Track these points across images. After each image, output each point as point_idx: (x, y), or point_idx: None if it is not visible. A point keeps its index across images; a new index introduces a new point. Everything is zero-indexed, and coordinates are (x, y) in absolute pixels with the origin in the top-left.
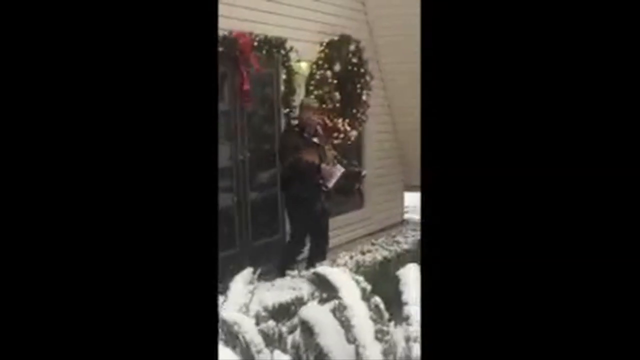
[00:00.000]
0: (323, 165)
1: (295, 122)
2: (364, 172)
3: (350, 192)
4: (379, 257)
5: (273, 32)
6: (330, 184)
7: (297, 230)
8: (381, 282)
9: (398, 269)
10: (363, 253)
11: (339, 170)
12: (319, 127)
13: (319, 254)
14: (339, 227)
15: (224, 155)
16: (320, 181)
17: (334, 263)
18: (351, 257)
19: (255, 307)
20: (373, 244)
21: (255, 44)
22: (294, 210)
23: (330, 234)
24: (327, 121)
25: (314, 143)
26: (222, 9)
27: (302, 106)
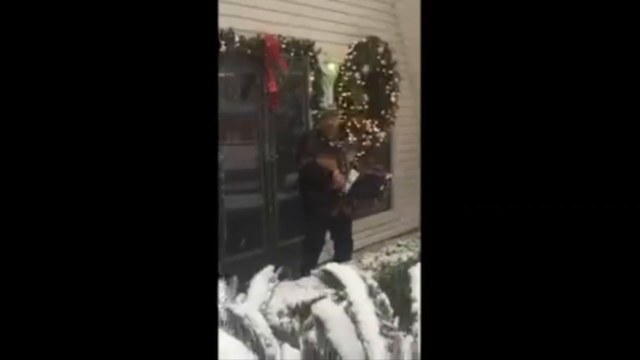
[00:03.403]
0: (335, 172)
1: (317, 127)
2: (388, 176)
3: (373, 195)
4: (404, 258)
5: (301, 34)
6: (345, 189)
7: (310, 235)
8: (405, 280)
9: None
10: (388, 254)
11: (353, 176)
12: (339, 132)
13: (344, 259)
14: (367, 228)
15: (252, 156)
16: (334, 187)
17: (359, 263)
18: (376, 258)
19: (279, 306)
20: (399, 245)
21: (284, 46)
22: (308, 214)
23: (358, 235)
24: (356, 123)
25: (332, 148)
26: (249, 12)
27: (325, 113)
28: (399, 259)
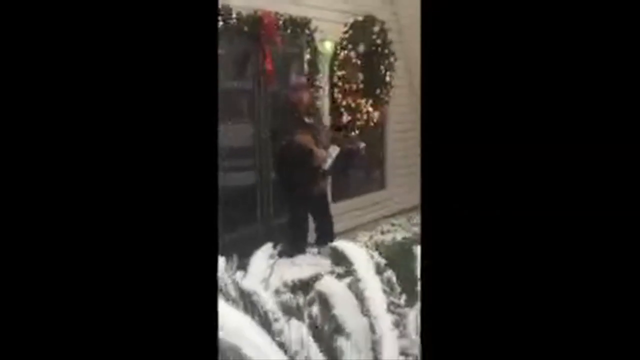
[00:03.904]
0: (315, 149)
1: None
2: (362, 145)
3: (352, 169)
4: (399, 238)
5: (298, 12)
6: (327, 166)
7: (296, 216)
8: (399, 260)
9: (416, 248)
10: (382, 233)
11: (334, 151)
12: (311, 107)
13: (325, 236)
14: (360, 207)
15: (247, 134)
16: (315, 164)
17: (354, 242)
18: (370, 237)
19: (275, 283)
20: (393, 225)
21: (280, 23)
22: (291, 194)
23: (351, 214)
24: (351, 102)
25: (307, 124)
26: None
27: (292, 85)
28: (394, 238)
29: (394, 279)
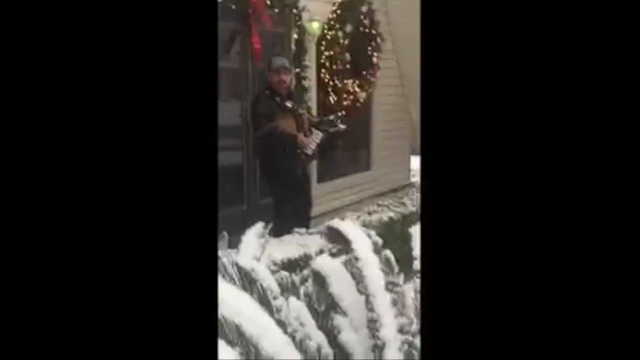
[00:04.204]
0: (299, 136)
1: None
2: (343, 127)
3: (337, 151)
4: (385, 218)
5: None
6: (310, 152)
7: (281, 201)
8: (388, 239)
9: (403, 229)
10: (370, 214)
11: (317, 137)
12: (292, 90)
13: (303, 219)
14: (346, 188)
15: (234, 113)
16: (298, 150)
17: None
18: (358, 217)
19: (265, 262)
20: (379, 205)
21: (269, 2)
22: (274, 180)
23: (337, 194)
24: (337, 83)
25: (289, 108)
26: None
27: (271, 68)
28: (381, 219)
29: (392, 258)
